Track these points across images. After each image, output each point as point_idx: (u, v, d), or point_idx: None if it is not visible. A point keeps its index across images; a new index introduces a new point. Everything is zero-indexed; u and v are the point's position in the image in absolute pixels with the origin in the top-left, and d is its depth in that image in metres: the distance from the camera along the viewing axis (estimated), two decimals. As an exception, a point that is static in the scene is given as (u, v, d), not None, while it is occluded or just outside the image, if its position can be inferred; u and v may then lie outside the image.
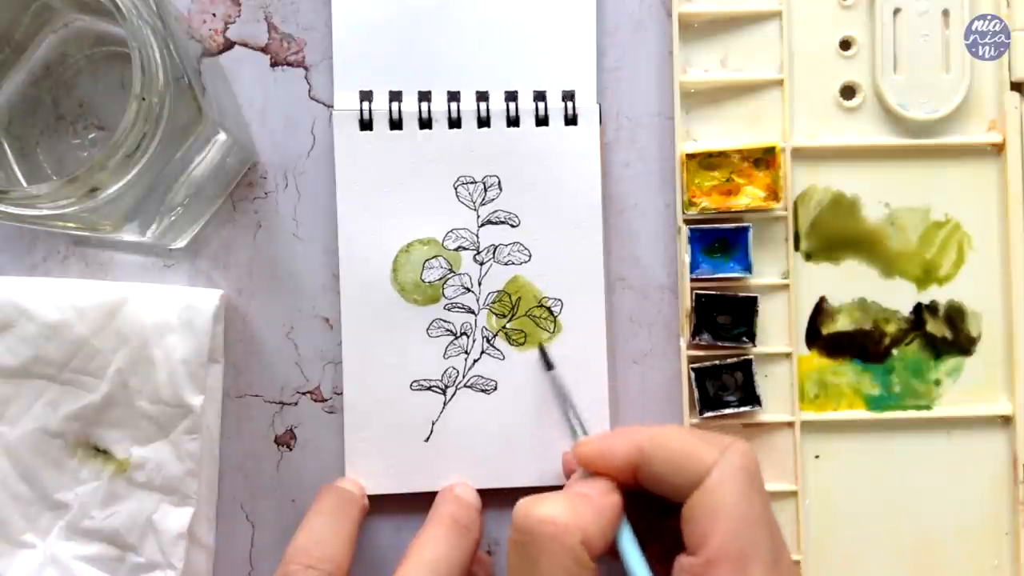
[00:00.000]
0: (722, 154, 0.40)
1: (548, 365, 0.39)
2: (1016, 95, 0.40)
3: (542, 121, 0.40)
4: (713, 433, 0.34)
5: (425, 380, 0.40)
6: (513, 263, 0.40)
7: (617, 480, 0.34)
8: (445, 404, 0.40)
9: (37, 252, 0.40)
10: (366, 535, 0.40)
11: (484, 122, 0.40)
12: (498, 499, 0.40)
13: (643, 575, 0.33)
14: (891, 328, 0.41)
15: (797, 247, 0.41)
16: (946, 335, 0.41)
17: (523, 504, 0.32)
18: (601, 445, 0.35)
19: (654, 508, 0.34)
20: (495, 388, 0.40)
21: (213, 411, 0.39)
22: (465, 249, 0.40)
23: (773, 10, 0.40)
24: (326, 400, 0.41)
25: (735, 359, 0.40)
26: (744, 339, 0.40)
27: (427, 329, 0.40)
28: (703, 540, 0.31)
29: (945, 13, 0.40)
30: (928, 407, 0.41)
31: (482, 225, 0.40)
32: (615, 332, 0.41)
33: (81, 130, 0.37)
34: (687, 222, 0.40)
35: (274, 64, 0.41)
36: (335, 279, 0.40)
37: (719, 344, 0.40)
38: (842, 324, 0.41)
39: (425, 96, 0.40)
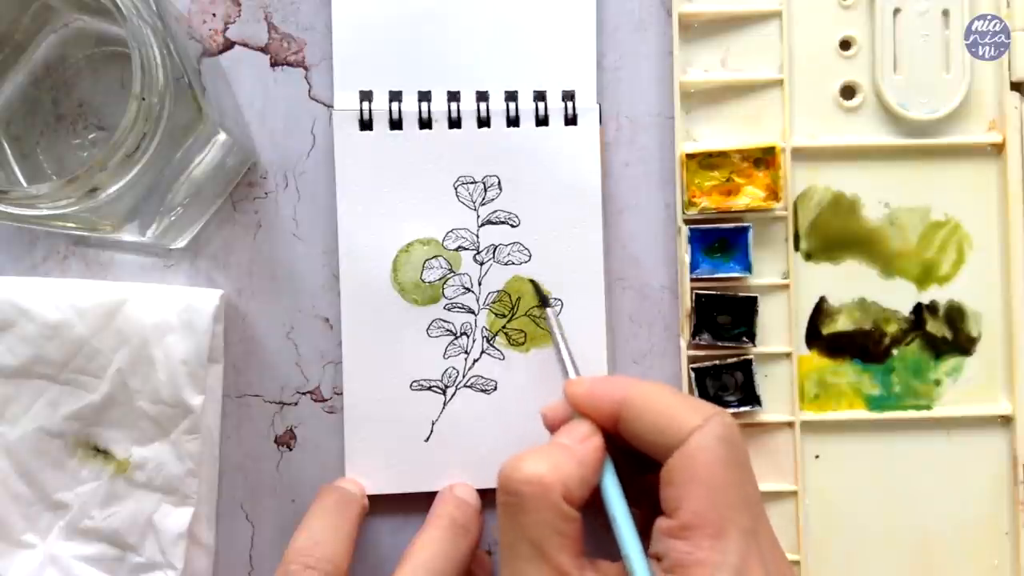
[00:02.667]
0: (722, 154, 0.40)
1: (543, 301, 0.39)
2: (1016, 95, 0.40)
3: (542, 121, 0.40)
4: (701, 400, 0.35)
5: (425, 380, 0.40)
6: (513, 263, 0.40)
7: (601, 425, 0.34)
8: (445, 404, 0.40)
9: (37, 252, 0.40)
10: (366, 535, 0.40)
11: (484, 122, 0.40)
12: (498, 499, 0.40)
13: (622, 516, 0.33)
14: (891, 328, 0.41)
15: (797, 247, 0.41)
16: (946, 335, 0.41)
17: (506, 465, 0.33)
18: (591, 388, 0.35)
19: (635, 465, 0.35)
20: (495, 388, 0.40)
21: (213, 411, 0.39)
22: (465, 249, 0.40)
23: (773, 10, 0.40)
24: (326, 400, 0.41)
25: (735, 359, 0.40)
26: (744, 339, 0.40)
27: (427, 329, 0.40)
28: (679, 504, 0.31)
29: (945, 13, 0.40)
30: (928, 407, 0.41)
31: (482, 225, 0.40)
32: (615, 332, 0.41)
33: (81, 130, 0.37)
34: (687, 222, 0.40)
35: (274, 64, 0.41)
36: (335, 279, 0.40)
37: (719, 344, 0.40)
38: (842, 324, 0.41)
39: (425, 96, 0.40)
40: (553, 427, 0.36)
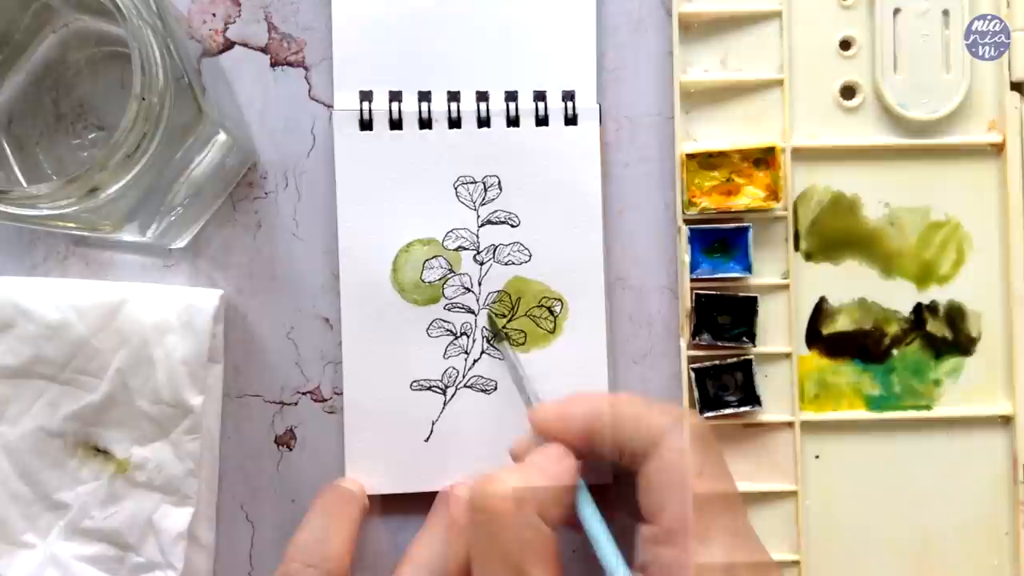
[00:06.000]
0: (722, 154, 0.40)
1: (496, 335, 0.39)
2: (1016, 95, 0.40)
3: (542, 121, 0.40)
4: (668, 404, 0.35)
5: (425, 380, 0.40)
6: (513, 263, 0.40)
7: (572, 447, 0.34)
8: (445, 404, 0.40)
9: (37, 252, 0.40)
10: (366, 535, 0.40)
11: (484, 122, 0.40)
12: (498, 499, 0.40)
13: (602, 537, 0.33)
14: (891, 328, 0.41)
15: (797, 247, 0.41)
16: (946, 335, 0.41)
17: (477, 483, 0.33)
18: (558, 410, 0.35)
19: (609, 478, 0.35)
20: (495, 388, 0.40)
21: (213, 411, 0.39)
22: (465, 249, 0.40)
23: (773, 10, 0.40)
24: (326, 400, 0.41)
25: (735, 359, 0.40)
26: (744, 339, 0.40)
27: (427, 329, 0.40)
28: (660, 509, 0.31)
29: (945, 13, 0.40)
30: (928, 407, 0.41)
31: (482, 225, 0.40)
32: (615, 332, 0.41)
33: (81, 130, 0.37)
34: (687, 222, 0.40)
35: (274, 64, 0.41)
36: (335, 279, 0.40)
37: (719, 344, 0.40)
38: (842, 324, 0.41)
39: (425, 96, 0.40)
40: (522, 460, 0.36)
